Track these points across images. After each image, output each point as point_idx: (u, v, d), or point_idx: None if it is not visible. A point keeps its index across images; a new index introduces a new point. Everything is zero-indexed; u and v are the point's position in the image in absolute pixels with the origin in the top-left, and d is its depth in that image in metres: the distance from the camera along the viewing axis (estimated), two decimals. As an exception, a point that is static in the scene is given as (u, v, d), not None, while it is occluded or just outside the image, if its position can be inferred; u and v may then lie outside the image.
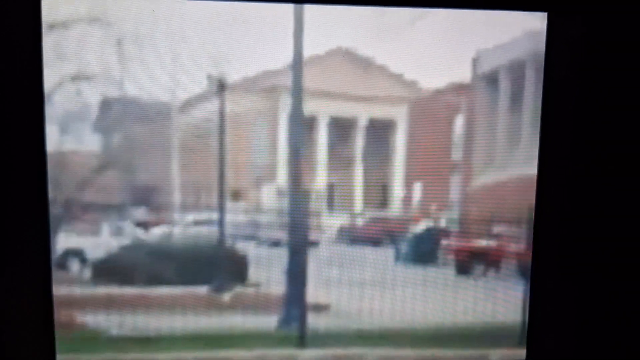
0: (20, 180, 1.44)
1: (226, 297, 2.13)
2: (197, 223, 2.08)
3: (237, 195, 2.09)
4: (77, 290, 2.07)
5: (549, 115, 1.51)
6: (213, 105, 2.02)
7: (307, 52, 1.95)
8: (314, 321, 2.22)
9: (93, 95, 1.95)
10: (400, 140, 2.13)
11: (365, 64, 2.00)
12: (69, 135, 1.98)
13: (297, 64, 1.97)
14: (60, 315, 1.95)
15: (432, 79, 2.00)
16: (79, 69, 1.90)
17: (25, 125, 1.46)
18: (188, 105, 2.03)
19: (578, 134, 1.49)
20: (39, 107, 1.45)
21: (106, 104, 1.96)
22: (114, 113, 1.98)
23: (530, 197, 1.74)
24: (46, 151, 1.53)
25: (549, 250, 1.55)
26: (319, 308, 2.19)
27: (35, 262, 1.47)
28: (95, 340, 2.08)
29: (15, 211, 1.44)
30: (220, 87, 2.00)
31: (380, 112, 2.11)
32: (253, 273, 2.15)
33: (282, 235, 2.15)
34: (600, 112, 1.48)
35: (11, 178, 1.42)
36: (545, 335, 1.58)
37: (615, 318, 1.55)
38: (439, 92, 2.05)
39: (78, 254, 2.04)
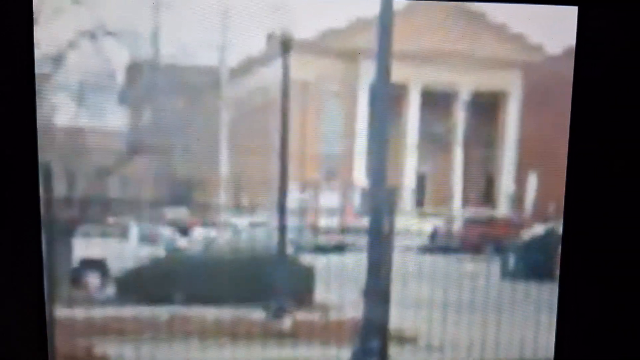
0: (10, 182, 1.32)
1: (286, 323, 1.66)
2: (251, 227, 1.61)
3: (302, 192, 1.63)
4: (97, 313, 1.61)
5: (579, 112, 1.43)
6: (273, 72, 1.56)
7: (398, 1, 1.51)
8: (397, 356, 1.75)
9: (118, 56, 1.51)
10: (512, 119, 1.67)
11: (472, 18, 1.55)
12: (86, 110, 1.54)
13: (385, 17, 1.52)
14: (73, 345, 1.50)
15: (556, 39, 1.55)
16: (100, 21, 1.46)
17: (17, 124, 1.31)
18: (241, 72, 1.58)
19: (610, 132, 1.42)
20: (30, 103, 1.29)
21: (135, 69, 1.52)
22: (145, 81, 1.53)
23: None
24: (37, 149, 1.34)
25: (578, 256, 1.45)
26: (404, 339, 1.71)
27: (27, 264, 1.34)
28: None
29: (6, 214, 1.32)
30: (284, 47, 1.54)
31: (488, 81, 1.65)
32: (320, 293, 1.68)
33: (360, 243, 1.68)
34: (633, 110, 1.42)
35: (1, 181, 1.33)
36: (573, 347, 1.48)
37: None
38: (564, 57, 1.60)
39: (98, 266, 1.58)
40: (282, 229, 1.68)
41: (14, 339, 1.43)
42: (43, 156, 1.55)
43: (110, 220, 1.63)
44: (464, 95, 1.71)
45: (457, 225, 1.74)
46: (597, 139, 1.49)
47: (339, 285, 1.75)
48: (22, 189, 1.39)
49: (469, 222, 1.74)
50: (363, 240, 1.74)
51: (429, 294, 1.77)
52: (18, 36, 1.36)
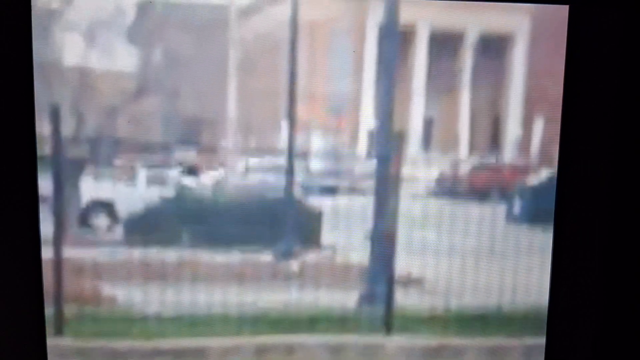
0: (9, 178, 1.39)
1: (294, 266, 1.71)
2: (258, 169, 1.66)
3: (310, 133, 1.68)
4: (104, 255, 1.65)
5: (570, 110, 1.50)
6: (282, 11, 1.60)
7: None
8: (403, 300, 1.80)
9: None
10: (519, 62, 1.71)
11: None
12: (95, 49, 1.57)
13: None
14: (79, 285, 1.64)
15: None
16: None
17: (15, 114, 1.38)
18: (249, 11, 1.62)
19: (600, 131, 1.50)
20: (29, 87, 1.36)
21: (144, 7, 1.55)
22: (154, 20, 1.57)
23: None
24: (36, 145, 1.41)
25: (571, 239, 1.56)
26: (410, 283, 1.77)
27: (26, 260, 1.43)
28: (124, 322, 1.66)
29: (4, 208, 1.40)
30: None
31: (495, 24, 1.69)
32: (327, 236, 1.73)
33: (366, 186, 1.73)
34: (624, 108, 1.48)
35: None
36: (565, 324, 1.60)
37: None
38: None
39: (106, 206, 1.62)
40: (290, 171, 1.73)
41: (13, 340, 1.45)
42: (50, 96, 1.60)
43: (118, 162, 1.67)
44: (472, 38, 1.75)
45: (463, 170, 1.79)
46: (588, 137, 1.53)
47: (345, 229, 1.80)
48: (20, 188, 1.41)
49: (476, 167, 1.79)
50: (370, 184, 1.79)
51: (435, 239, 1.82)
52: (16, 38, 1.39)
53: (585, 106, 1.53)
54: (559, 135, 1.74)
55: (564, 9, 1.53)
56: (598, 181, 1.54)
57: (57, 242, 1.66)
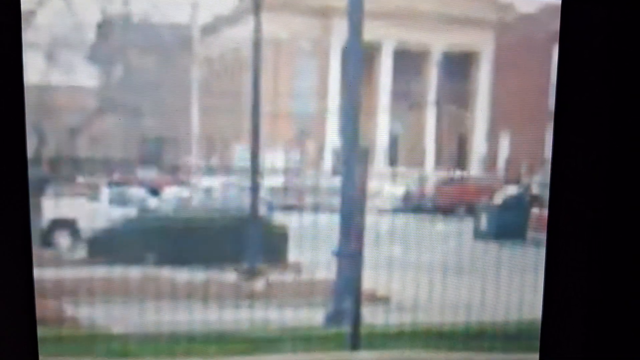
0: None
1: (258, 284, 1.73)
2: (222, 187, 1.68)
3: (274, 152, 1.70)
4: (67, 273, 1.66)
5: (563, 102, 1.46)
6: (245, 31, 1.62)
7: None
8: (369, 317, 1.82)
9: (88, 14, 1.55)
10: (483, 79, 1.74)
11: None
12: (57, 68, 1.59)
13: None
14: (43, 306, 1.56)
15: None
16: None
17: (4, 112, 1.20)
18: (212, 30, 1.64)
19: (593, 123, 1.45)
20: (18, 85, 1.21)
21: (105, 27, 1.57)
22: (115, 39, 1.58)
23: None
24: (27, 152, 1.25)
25: (564, 247, 1.48)
26: (377, 300, 1.79)
27: (16, 264, 1.26)
28: (88, 341, 1.67)
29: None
30: (256, 6, 1.61)
31: (459, 40, 1.72)
32: (293, 254, 1.75)
33: (332, 204, 1.75)
34: (616, 100, 1.46)
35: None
36: (558, 339, 1.52)
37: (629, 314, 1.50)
38: (537, 16, 1.67)
39: (68, 225, 1.64)
40: (255, 188, 1.75)
41: (3, 340, 1.46)
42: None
43: (81, 180, 1.68)
44: (436, 55, 1.78)
45: (429, 186, 1.81)
46: (581, 128, 1.54)
47: (311, 246, 1.82)
48: (10, 191, 1.43)
49: (442, 183, 1.81)
50: (336, 201, 1.80)
51: (401, 255, 1.84)
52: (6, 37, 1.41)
53: (577, 100, 1.51)
54: (526, 151, 1.76)
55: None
56: (591, 174, 1.54)
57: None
